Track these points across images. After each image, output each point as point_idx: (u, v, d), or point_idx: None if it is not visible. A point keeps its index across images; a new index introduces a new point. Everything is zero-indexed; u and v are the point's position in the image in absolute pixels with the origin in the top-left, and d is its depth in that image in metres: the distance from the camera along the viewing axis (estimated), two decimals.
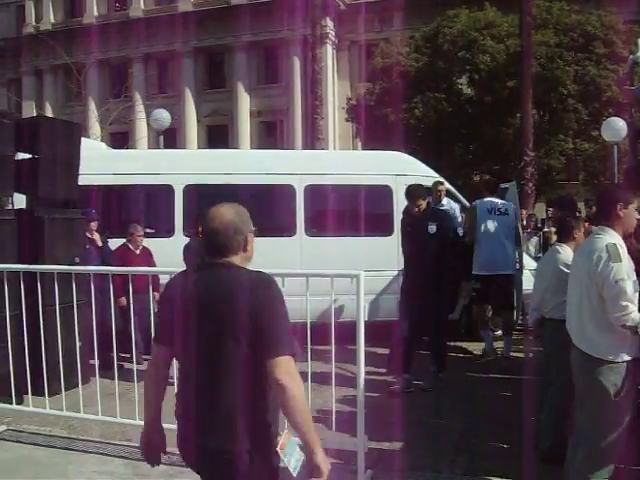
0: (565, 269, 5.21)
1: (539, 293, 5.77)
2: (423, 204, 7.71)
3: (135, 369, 5.96)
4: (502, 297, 8.91)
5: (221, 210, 2.92)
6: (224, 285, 2.76)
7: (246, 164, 10.38)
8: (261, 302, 2.69)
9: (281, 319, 2.72)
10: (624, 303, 3.91)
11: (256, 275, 2.80)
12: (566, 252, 5.50)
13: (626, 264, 3.98)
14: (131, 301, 6.18)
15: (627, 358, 4.03)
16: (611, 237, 4.06)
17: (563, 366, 4.60)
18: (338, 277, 5.35)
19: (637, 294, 4.07)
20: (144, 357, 7.90)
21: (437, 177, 10.45)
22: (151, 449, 3.11)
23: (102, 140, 22.30)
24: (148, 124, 27.57)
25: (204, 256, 2.95)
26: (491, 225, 8.82)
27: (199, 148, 37.06)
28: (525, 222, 13.49)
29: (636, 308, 3.95)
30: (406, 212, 8.07)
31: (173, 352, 2.93)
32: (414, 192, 7.75)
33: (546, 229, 13.11)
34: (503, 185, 10.50)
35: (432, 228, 7.60)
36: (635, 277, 4.09)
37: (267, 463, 2.73)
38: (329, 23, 37.72)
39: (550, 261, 5.70)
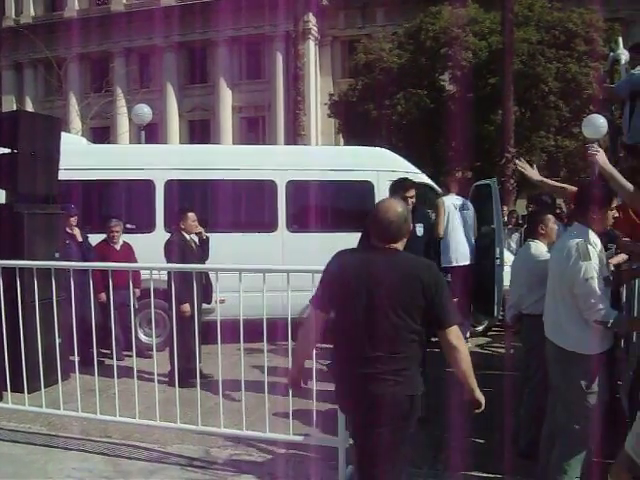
0: (537, 265, 5.26)
1: (515, 290, 5.83)
2: (412, 200, 6.63)
3: (115, 365, 5.93)
4: (467, 286, 9.20)
5: (392, 203, 3.58)
6: (399, 267, 3.43)
7: (228, 159, 10.37)
8: (434, 283, 3.39)
9: (449, 296, 3.50)
10: (593, 301, 4.00)
11: (423, 260, 3.61)
12: (538, 248, 5.54)
13: (595, 262, 4.05)
14: (111, 297, 6.15)
15: (599, 350, 4.12)
16: (583, 235, 4.13)
17: (542, 362, 4.65)
18: (319, 273, 5.35)
19: (609, 290, 4.14)
20: (124, 353, 7.87)
21: (419, 173, 10.51)
22: (295, 383, 3.89)
23: (83, 135, 22.08)
24: (129, 119, 27.42)
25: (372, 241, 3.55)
26: (458, 220, 9.15)
27: (181, 143, 36.96)
28: (506, 219, 13.54)
29: (606, 304, 4.04)
30: None
31: (327, 319, 3.61)
32: (404, 184, 6.75)
33: (527, 225, 13.18)
34: (482, 182, 10.56)
35: (420, 230, 7.01)
36: (607, 274, 4.19)
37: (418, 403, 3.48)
38: (311, 19, 37.62)
39: (523, 258, 5.76)
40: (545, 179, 5.73)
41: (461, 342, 3.44)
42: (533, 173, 5.62)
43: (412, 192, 6.58)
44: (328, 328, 3.62)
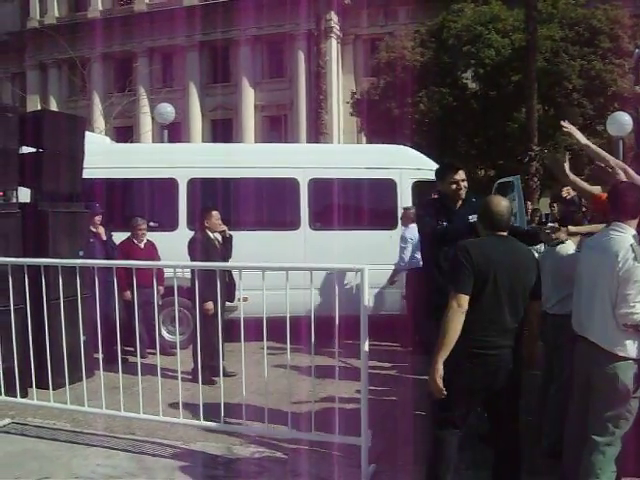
0: (564, 263, 5.19)
1: None
2: (464, 183, 5.67)
3: (139, 363, 5.96)
4: None
5: (499, 198, 4.41)
6: (518, 252, 4.24)
7: (250, 158, 10.39)
8: (538, 264, 4.37)
9: None
10: (633, 303, 3.94)
11: (527, 247, 4.47)
12: (568, 247, 5.46)
13: None
14: (135, 295, 6.18)
15: None
16: (632, 235, 4.08)
17: (566, 362, 4.59)
18: (342, 271, 5.35)
19: None
20: (148, 351, 7.91)
21: None
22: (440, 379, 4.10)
23: (106, 134, 22.26)
24: (152, 118, 27.59)
25: (488, 231, 4.26)
26: None
27: (203, 142, 37.05)
28: (529, 217, 13.45)
29: None
30: (435, 205, 5.93)
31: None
32: (452, 166, 5.90)
33: (550, 224, 13.06)
34: (505, 179, 10.49)
35: (474, 217, 5.50)
36: None
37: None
38: (334, 17, 37.59)
39: (551, 256, 5.65)
40: (591, 144, 5.43)
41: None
42: (580, 136, 5.36)
43: (462, 174, 5.72)
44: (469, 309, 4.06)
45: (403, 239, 9.54)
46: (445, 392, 4.01)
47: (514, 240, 4.30)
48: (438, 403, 4.15)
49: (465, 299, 3.99)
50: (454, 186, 5.57)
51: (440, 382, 3.99)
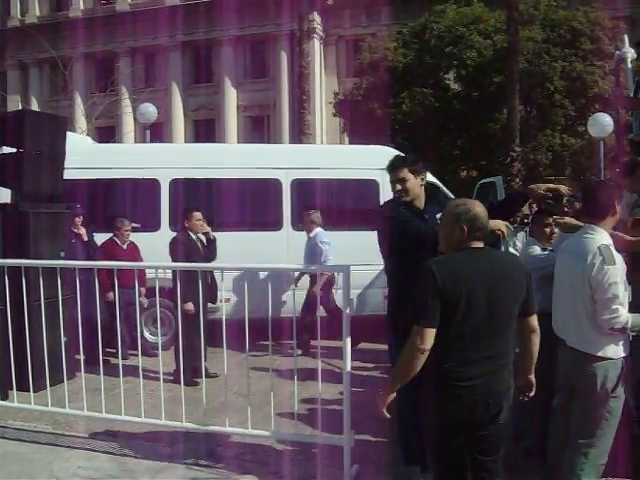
0: (537, 264, 5.21)
1: None
2: (402, 184, 4.77)
3: (121, 364, 5.93)
4: None
5: (474, 203, 3.57)
6: (501, 265, 3.57)
7: (233, 158, 10.36)
8: (529, 273, 3.63)
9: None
10: (614, 307, 3.93)
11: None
12: (532, 247, 5.49)
13: (619, 266, 3.98)
14: (116, 296, 6.15)
15: (625, 354, 4.09)
16: (603, 237, 4.05)
17: (540, 362, 4.60)
18: (325, 272, 5.35)
19: (627, 294, 4.08)
20: (130, 352, 7.88)
21: None
22: (388, 408, 3.72)
23: (88, 134, 22.16)
24: (135, 118, 27.50)
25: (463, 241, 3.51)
26: None
27: (186, 142, 36.96)
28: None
29: (625, 310, 3.97)
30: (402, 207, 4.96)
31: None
32: (391, 164, 5.03)
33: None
34: (487, 180, 10.53)
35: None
36: (625, 278, 4.08)
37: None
38: (316, 18, 37.64)
39: (523, 257, 5.68)
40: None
41: (538, 328, 3.73)
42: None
43: (400, 173, 4.79)
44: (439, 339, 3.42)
45: (323, 242, 9.49)
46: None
47: (494, 252, 3.69)
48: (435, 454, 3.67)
49: (431, 334, 3.36)
50: (392, 187, 4.82)
51: (385, 413, 3.69)
